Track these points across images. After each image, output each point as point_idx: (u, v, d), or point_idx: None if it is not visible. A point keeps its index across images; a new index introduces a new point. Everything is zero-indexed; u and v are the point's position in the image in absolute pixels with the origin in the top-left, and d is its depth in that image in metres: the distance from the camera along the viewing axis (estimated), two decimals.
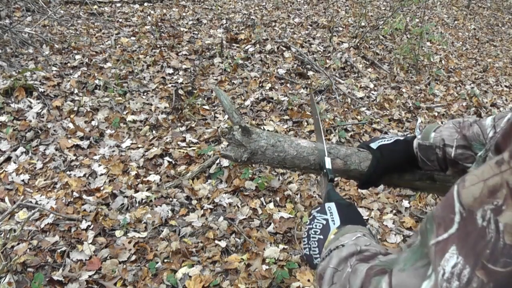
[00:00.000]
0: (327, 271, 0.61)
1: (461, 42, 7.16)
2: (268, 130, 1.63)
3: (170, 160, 2.94)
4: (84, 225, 2.35)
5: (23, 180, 2.65)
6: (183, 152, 3.01)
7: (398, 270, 0.45)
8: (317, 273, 0.65)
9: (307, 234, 0.73)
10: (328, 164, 0.89)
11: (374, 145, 0.95)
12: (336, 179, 2.98)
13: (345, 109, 4.02)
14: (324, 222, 0.72)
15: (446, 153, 0.85)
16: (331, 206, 0.74)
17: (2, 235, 2.09)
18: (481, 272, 0.35)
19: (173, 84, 3.95)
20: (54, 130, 3.09)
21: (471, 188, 0.38)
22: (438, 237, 0.39)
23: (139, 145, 3.08)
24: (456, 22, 8.36)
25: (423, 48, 5.66)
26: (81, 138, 3.06)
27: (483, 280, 0.35)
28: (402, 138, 0.95)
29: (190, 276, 2.11)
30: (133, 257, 2.21)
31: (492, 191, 0.36)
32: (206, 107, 3.70)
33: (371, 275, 0.50)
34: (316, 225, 0.72)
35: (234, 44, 5.05)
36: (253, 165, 2.96)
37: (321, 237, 0.70)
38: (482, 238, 0.36)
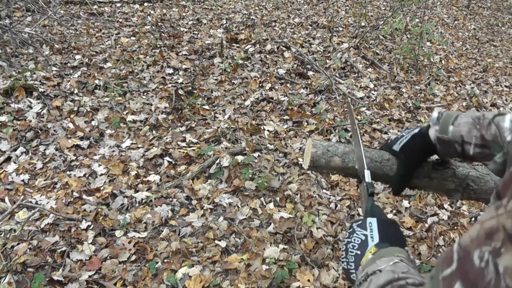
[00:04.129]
0: (362, 282, 0.62)
1: (461, 42, 7.16)
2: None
3: (170, 160, 2.94)
4: (84, 225, 2.35)
5: (23, 180, 2.65)
6: (183, 152, 3.01)
7: None
8: (355, 280, 0.66)
9: (345, 248, 0.73)
10: (368, 177, 0.87)
11: (396, 147, 0.94)
12: (336, 179, 2.99)
13: (345, 109, 4.02)
14: (363, 237, 0.72)
15: (464, 149, 0.84)
16: (372, 222, 0.74)
17: (2, 235, 2.09)
18: None
19: (173, 84, 3.95)
20: (54, 130, 3.09)
21: (470, 230, 0.40)
22: (443, 273, 0.43)
23: (139, 145, 3.08)
24: (456, 22, 8.36)
25: (423, 48, 5.66)
26: (81, 138, 3.06)
27: None
28: (417, 130, 0.93)
29: (190, 276, 2.11)
30: (133, 257, 2.21)
31: (489, 233, 0.38)
32: (206, 107, 3.70)
33: None
34: (355, 240, 0.73)
35: (234, 44, 5.05)
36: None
37: (359, 252, 0.71)
38: (482, 278, 0.37)
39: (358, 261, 0.70)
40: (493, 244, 0.37)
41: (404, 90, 4.74)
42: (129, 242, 2.28)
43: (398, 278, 0.60)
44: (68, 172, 2.75)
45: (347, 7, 7.58)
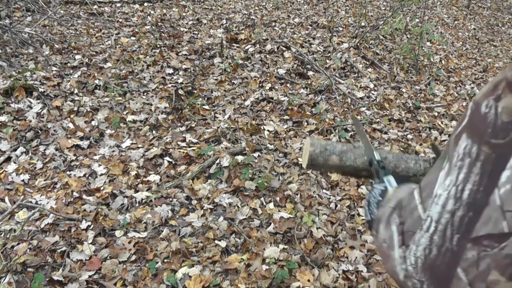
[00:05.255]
0: (385, 209, 0.66)
1: (461, 42, 7.16)
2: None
3: (170, 160, 2.94)
4: (84, 225, 2.35)
5: (23, 180, 2.65)
6: (183, 152, 3.01)
7: (425, 176, 0.57)
8: (376, 217, 0.71)
9: (367, 202, 0.80)
10: (377, 156, 0.95)
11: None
12: (336, 179, 2.99)
13: (345, 109, 4.02)
14: (383, 187, 0.80)
15: None
16: (389, 177, 0.83)
17: (2, 235, 2.09)
18: (486, 147, 0.45)
19: (173, 84, 3.95)
20: (54, 130, 3.09)
21: (482, 89, 0.49)
22: (455, 132, 0.50)
23: (139, 145, 3.08)
24: (456, 22, 8.36)
25: (423, 48, 5.66)
26: (81, 138, 3.06)
27: (488, 152, 0.45)
28: None
29: (190, 276, 2.11)
30: (133, 257, 2.21)
31: (495, 85, 0.47)
32: (206, 107, 3.70)
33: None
34: (375, 192, 0.80)
35: (234, 44, 5.05)
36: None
37: (380, 198, 0.77)
38: (484, 121, 0.46)
39: (380, 205, 0.76)
40: (496, 93, 0.46)
41: (404, 90, 4.74)
42: (129, 242, 2.28)
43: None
44: (68, 172, 2.75)
45: (347, 7, 7.59)
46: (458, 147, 0.49)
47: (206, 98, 3.85)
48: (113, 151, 2.99)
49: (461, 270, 0.47)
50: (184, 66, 4.31)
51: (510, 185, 0.43)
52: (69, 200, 2.53)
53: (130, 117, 3.34)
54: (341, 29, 6.17)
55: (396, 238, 0.58)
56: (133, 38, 4.78)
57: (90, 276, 2.07)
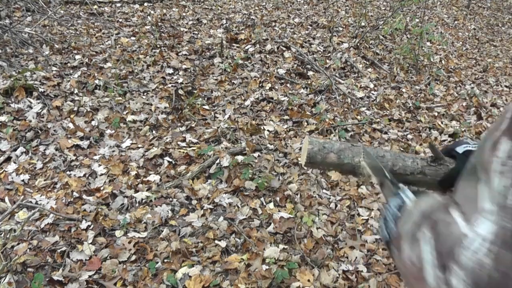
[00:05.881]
0: (407, 224, 0.60)
1: (461, 42, 7.16)
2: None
3: (170, 160, 2.94)
4: (84, 225, 2.35)
5: (23, 180, 2.65)
6: (183, 152, 3.01)
7: (455, 192, 0.53)
8: (396, 235, 0.63)
9: (384, 219, 0.72)
10: (388, 175, 0.92)
11: (460, 149, 0.95)
12: (336, 179, 2.99)
13: (345, 109, 4.03)
14: (401, 202, 0.71)
15: None
16: (405, 191, 0.75)
17: (2, 235, 2.09)
18: None
19: (173, 84, 3.95)
20: (54, 130, 3.09)
21: None
22: (491, 138, 0.48)
23: (139, 145, 3.08)
24: (456, 22, 8.36)
25: (423, 48, 5.66)
26: (81, 138, 3.06)
27: None
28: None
29: (190, 276, 2.11)
30: (133, 257, 2.21)
31: None
32: (206, 107, 3.70)
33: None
34: (392, 207, 0.72)
35: (234, 44, 5.05)
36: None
37: (399, 214, 0.69)
38: None
39: (399, 222, 0.69)
40: None
41: (404, 90, 4.75)
42: (129, 242, 2.28)
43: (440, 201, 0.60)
44: (68, 172, 2.75)
45: (347, 7, 7.59)
46: (497, 151, 0.46)
47: (206, 98, 3.85)
48: (113, 151, 2.99)
49: None
50: (184, 66, 4.31)
51: None
52: (69, 200, 2.53)
53: (130, 117, 3.34)
54: (341, 29, 6.17)
55: (430, 257, 0.50)
56: (133, 38, 4.78)
57: (90, 276, 2.07)
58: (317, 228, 2.53)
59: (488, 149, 0.47)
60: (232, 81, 4.22)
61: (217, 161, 2.89)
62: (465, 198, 0.49)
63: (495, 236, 0.43)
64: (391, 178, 0.90)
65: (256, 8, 6.77)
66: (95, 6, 5.49)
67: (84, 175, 2.75)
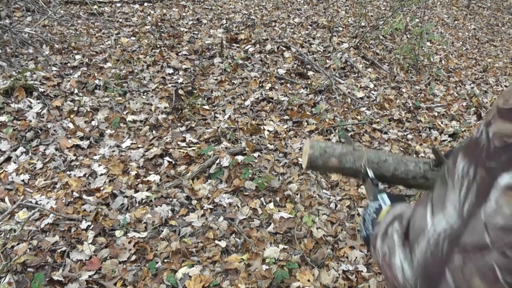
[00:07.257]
0: (381, 225, 0.70)
1: (461, 42, 7.16)
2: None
3: (170, 160, 2.94)
4: (84, 225, 2.35)
5: (23, 180, 2.65)
6: (183, 152, 3.01)
7: (434, 190, 0.60)
8: (372, 233, 0.75)
9: (363, 219, 0.84)
10: (371, 174, 1.01)
11: None
12: (336, 179, 2.99)
13: (345, 109, 4.02)
14: (378, 206, 0.85)
15: None
16: (383, 195, 0.88)
17: (2, 235, 2.09)
18: (481, 169, 0.49)
19: (173, 84, 3.95)
20: (54, 130, 3.09)
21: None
22: (458, 151, 0.54)
23: (139, 145, 3.08)
24: (456, 22, 8.36)
25: (423, 48, 5.66)
26: (81, 138, 3.06)
27: (483, 174, 0.48)
28: None
29: (190, 276, 2.11)
30: (133, 257, 2.21)
31: (488, 112, 0.51)
32: (206, 107, 3.70)
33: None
34: (370, 210, 0.84)
35: (234, 44, 5.05)
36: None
37: (375, 216, 0.82)
38: (477, 146, 0.50)
39: (375, 224, 0.80)
40: (487, 118, 0.50)
41: (404, 90, 4.74)
42: (129, 242, 2.28)
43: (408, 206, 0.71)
44: (68, 172, 2.75)
45: (347, 7, 7.59)
46: (457, 165, 0.53)
47: (206, 98, 3.85)
48: (113, 151, 2.99)
49: (449, 273, 0.50)
50: (184, 66, 4.31)
51: (495, 204, 0.46)
52: (69, 200, 2.53)
53: (130, 117, 3.34)
54: (341, 29, 6.16)
55: (398, 241, 0.61)
56: (133, 38, 4.78)
57: (90, 276, 2.07)
58: (317, 228, 2.53)
59: (452, 162, 0.54)
60: (232, 81, 4.22)
61: (217, 161, 2.89)
62: (438, 197, 0.56)
63: (443, 233, 0.53)
64: (372, 179, 0.97)
65: (256, 8, 6.77)
66: (95, 6, 5.49)
67: (84, 175, 2.75)
